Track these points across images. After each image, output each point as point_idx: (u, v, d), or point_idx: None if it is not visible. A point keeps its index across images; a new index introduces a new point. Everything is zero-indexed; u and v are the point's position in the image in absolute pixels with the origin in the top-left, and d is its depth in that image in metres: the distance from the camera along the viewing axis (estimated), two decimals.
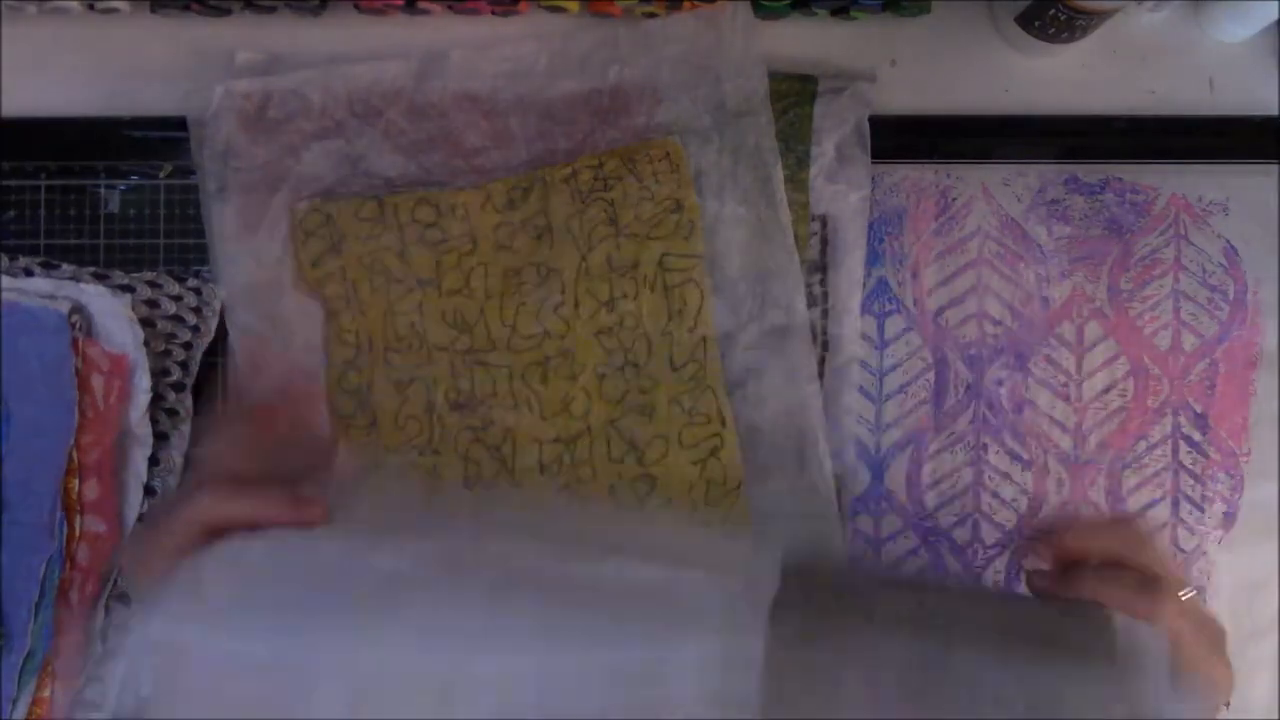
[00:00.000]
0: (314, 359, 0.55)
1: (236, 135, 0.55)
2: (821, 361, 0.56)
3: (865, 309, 0.57)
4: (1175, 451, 0.58)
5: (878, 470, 0.56)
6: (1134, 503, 0.57)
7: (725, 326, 0.55)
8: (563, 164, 0.55)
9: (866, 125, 0.56)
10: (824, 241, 0.56)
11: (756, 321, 0.55)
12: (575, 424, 0.54)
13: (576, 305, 0.55)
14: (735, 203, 0.55)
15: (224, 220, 0.55)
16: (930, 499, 0.57)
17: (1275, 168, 0.57)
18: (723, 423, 0.54)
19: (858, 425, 0.56)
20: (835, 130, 0.56)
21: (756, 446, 0.55)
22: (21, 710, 0.51)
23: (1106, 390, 0.57)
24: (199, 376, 0.56)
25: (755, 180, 0.55)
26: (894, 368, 0.57)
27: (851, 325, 0.56)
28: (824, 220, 0.56)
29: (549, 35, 0.56)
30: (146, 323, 0.54)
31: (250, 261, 0.55)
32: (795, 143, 0.56)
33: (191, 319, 0.55)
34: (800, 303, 0.55)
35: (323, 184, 0.55)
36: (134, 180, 0.56)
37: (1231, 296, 0.58)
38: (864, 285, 0.56)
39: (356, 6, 0.56)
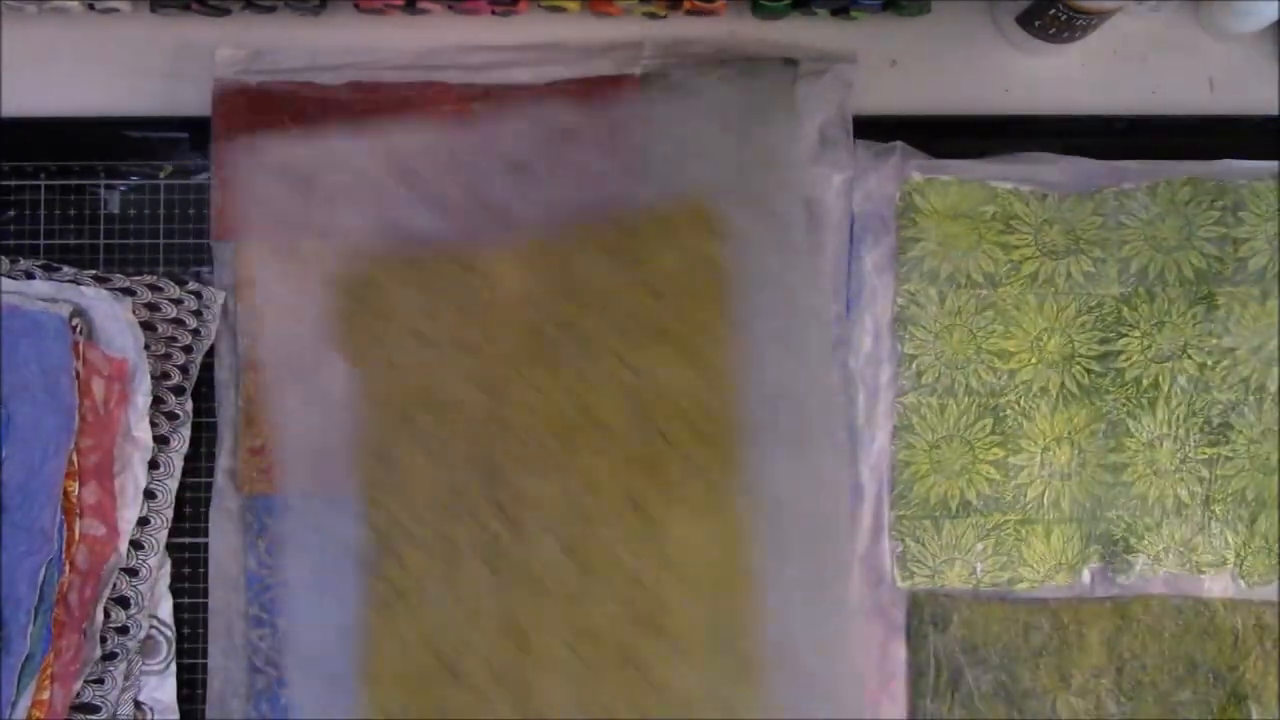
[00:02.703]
0: (345, 418, 0.54)
1: (268, 185, 0.54)
2: None
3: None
4: None
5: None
6: None
7: (755, 379, 0.54)
8: (593, 223, 0.54)
9: (848, 107, 0.56)
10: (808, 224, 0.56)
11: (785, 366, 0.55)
12: (596, 500, 0.53)
13: (605, 366, 0.54)
14: (767, 256, 0.55)
15: (253, 274, 0.55)
16: None
17: (1275, 167, 0.57)
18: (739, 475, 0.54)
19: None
20: (817, 113, 0.56)
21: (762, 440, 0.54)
22: (20, 712, 0.51)
23: None
24: (198, 380, 0.55)
25: (782, 233, 0.55)
26: None
27: (834, 307, 0.56)
28: (807, 202, 0.56)
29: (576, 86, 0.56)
30: (147, 326, 0.54)
31: (278, 318, 0.54)
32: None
33: (191, 322, 0.55)
34: (828, 359, 0.55)
35: (352, 238, 0.54)
36: (134, 180, 0.56)
37: None
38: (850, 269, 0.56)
39: (356, 6, 0.56)
